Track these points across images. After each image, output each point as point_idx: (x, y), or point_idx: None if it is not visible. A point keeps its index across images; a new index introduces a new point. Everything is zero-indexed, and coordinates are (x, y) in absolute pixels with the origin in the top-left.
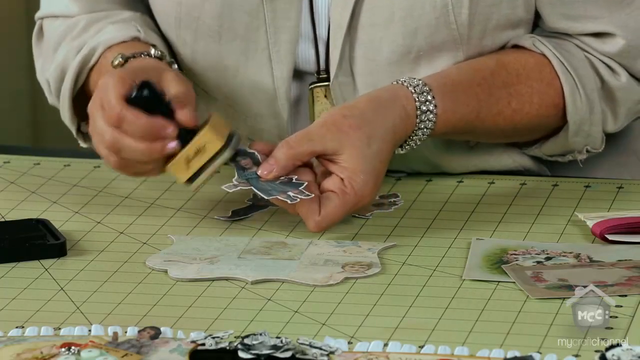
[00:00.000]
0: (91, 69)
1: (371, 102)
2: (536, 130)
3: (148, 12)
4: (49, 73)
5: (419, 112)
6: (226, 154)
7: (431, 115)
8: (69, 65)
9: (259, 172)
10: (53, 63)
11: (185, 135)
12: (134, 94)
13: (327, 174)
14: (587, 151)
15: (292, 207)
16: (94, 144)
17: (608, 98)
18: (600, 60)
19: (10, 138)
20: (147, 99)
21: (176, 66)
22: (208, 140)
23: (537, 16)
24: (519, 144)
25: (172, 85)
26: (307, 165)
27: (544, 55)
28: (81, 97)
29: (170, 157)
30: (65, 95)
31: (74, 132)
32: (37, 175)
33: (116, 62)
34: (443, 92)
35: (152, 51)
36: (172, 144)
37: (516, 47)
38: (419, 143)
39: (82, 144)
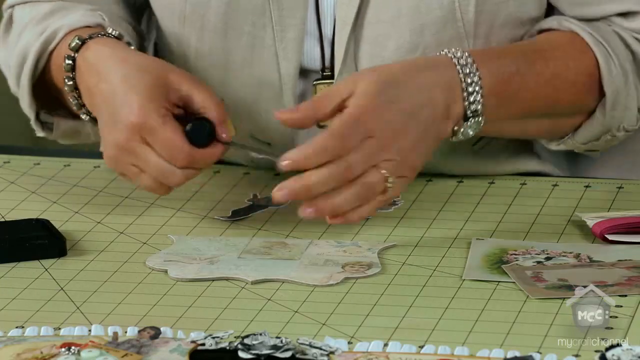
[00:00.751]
0: (51, 52)
1: (401, 61)
2: (574, 108)
3: (147, 8)
4: (11, 58)
5: (458, 66)
6: None
7: (473, 68)
8: (30, 50)
9: (275, 113)
10: (16, 48)
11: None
12: (198, 139)
13: None
14: (625, 129)
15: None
16: (134, 178)
17: (639, 71)
18: (628, 34)
19: (10, 138)
20: (208, 137)
21: (133, 47)
22: None
23: (550, 7)
24: (545, 141)
25: (202, 97)
26: None
27: (573, 32)
28: (41, 84)
29: None
30: (25, 80)
31: (32, 119)
32: (37, 175)
33: (73, 44)
34: (478, 53)
35: (110, 30)
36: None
37: (540, 32)
38: (479, 100)
39: (39, 133)
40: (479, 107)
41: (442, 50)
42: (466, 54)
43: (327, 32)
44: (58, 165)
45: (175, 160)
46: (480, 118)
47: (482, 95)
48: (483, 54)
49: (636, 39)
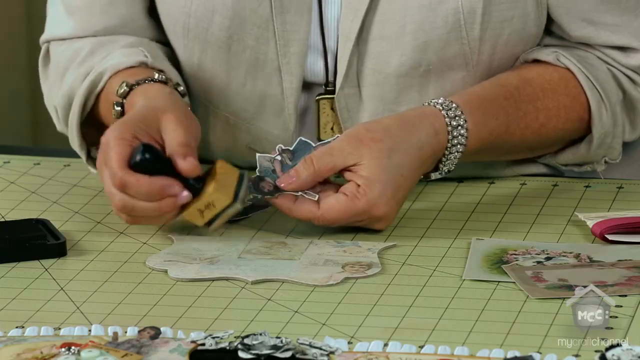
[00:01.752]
0: (98, 94)
1: (397, 119)
2: (560, 142)
3: (153, 20)
4: (57, 100)
5: (449, 128)
6: (237, 206)
7: (462, 130)
8: (76, 92)
9: (277, 183)
10: (60, 90)
11: (194, 183)
12: (134, 161)
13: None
14: (605, 162)
15: (293, 212)
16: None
17: (628, 108)
18: (622, 72)
19: (10, 138)
20: (148, 162)
21: (182, 87)
22: (215, 199)
23: (550, 21)
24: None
25: (171, 135)
26: (332, 184)
27: (568, 69)
28: (90, 121)
29: (184, 204)
30: (73, 123)
31: (83, 159)
32: (37, 175)
33: (121, 91)
34: (471, 107)
35: (156, 76)
36: (184, 195)
37: (537, 61)
38: (455, 162)
39: (92, 170)
40: (452, 167)
41: (437, 104)
42: (459, 111)
43: (331, 46)
44: (58, 165)
45: (113, 182)
46: (448, 173)
47: (460, 155)
48: (478, 108)
49: (629, 77)
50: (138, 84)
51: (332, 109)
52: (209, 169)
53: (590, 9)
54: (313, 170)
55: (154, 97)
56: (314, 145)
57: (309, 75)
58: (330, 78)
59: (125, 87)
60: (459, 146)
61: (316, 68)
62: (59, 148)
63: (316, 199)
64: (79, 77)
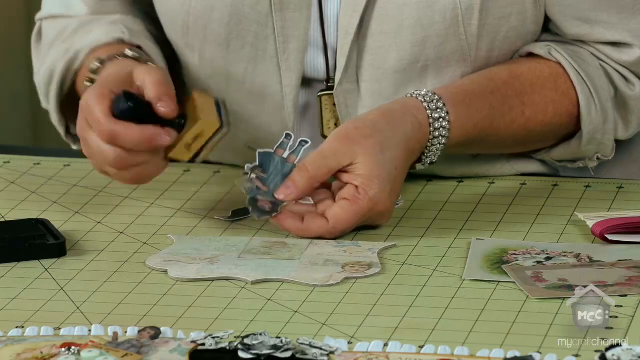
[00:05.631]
0: (77, 72)
1: (382, 113)
2: (549, 138)
3: (154, 16)
4: (40, 76)
5: (431, 120)
6: (224, 130)
7: (444, 123)
8: (56, 69)
9: (277, 195)
10: (43, 66)
11: (177, 121)
12: (119, 110)
13: (342, 185)
14: (598, 159)
15: (302, 232)
16: (94, 164)
17: (621, 106)
18: (614, 69)
19: (10, 138)
20: (132, 110)
21: (159, 65)
22: (205, 126)
23: (547, 18)
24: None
25: (145, 79)
26: (326, 186)
27: (560, 64)
28: (72, 98)
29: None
30: (52, 98)
31: (62, 134)
32: (37, 175)
33: (94, 67)
34: (454, 101)
35: (128, 52)
36: (166, 137)
37: (530, 55)
38: (438, 154)
39: (73, 146)
40: (435, 159)
41: (419, 96)
42: (441, 103)
43: (332, 42)
44: (58, 165)
45: (102, 137)
46: (431, 165)
47: (442, 147)
48: (462, 101)
49: (621, 74)
50: (109, 59)
51: (335, 104)
52: (185, 103)
53: (588, 7)
54: (309, 176)
55: (123, 66)
56: (272, 151)
57: (309, 72)
58: (332, 74)
59: (96, 63)
60: (441, 138)
61: (317, 64)
62: (59, 148)
63: (311, 203)
64: (60, 54)
